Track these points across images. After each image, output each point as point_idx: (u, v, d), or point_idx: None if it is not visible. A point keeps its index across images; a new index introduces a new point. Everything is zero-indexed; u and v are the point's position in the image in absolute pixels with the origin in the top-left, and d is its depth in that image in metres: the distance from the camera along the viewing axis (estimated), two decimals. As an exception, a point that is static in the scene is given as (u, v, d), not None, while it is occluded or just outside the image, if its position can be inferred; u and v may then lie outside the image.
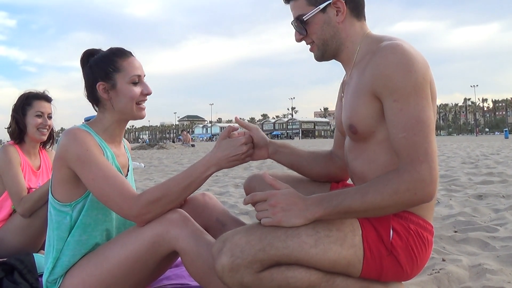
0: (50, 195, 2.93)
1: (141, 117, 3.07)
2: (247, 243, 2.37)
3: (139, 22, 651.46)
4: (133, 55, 3.11)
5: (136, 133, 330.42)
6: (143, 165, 19.69)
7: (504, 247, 4.37)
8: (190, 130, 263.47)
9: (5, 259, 3.51)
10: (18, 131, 4.41)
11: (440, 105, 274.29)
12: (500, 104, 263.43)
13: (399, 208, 2.42)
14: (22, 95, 4.53)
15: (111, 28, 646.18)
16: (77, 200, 2.88)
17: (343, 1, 2.68)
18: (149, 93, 3.08)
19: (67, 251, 2.88)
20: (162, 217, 2.81)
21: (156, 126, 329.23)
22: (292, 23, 2.82)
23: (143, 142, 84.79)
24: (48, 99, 4.58)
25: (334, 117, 3.24)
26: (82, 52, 3.12)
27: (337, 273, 2.51)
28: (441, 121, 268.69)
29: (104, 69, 2.99)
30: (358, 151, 2.73)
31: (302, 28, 2.76)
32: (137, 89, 3.01)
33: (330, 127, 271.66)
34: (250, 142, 3.00)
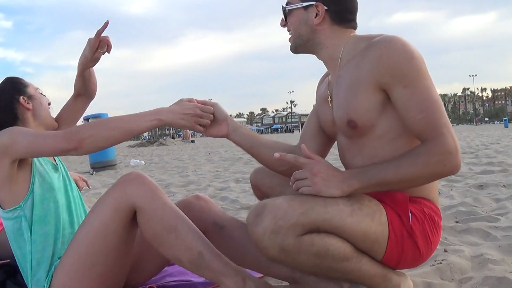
0: (0, 210, 2.95)
1: (54, 125, 3.32)
2: (289, 206, 2.40)
3: (135, 20, 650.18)
4: None
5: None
6: (143, 162, 19.77)
7: (506, 236, 4.37)
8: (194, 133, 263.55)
9: (7, 260, 3.50)
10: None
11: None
12: (499, 93, 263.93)
13: (430, 180, 2.53)
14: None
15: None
16: (24, 199, 2.89)
17: (325, 8, 2.78)
18: (49, 103, 3.38)
19: (38, 249, 2.90)
20: (119, 180, 2.85)
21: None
22: (282, 7, 2.92)
23: (143, 139, 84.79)
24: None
25: (312, 118, 3.27)
26: None
27: (364, 253, 2.58)
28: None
29: (16, 87, 3.24)
30: (357, 148, 2.79)
31: (285, 16, 2.91)
32: (45, 98, 3.33)
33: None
34: (207, 111, 3.03)
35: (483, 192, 6.99)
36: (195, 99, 3.08)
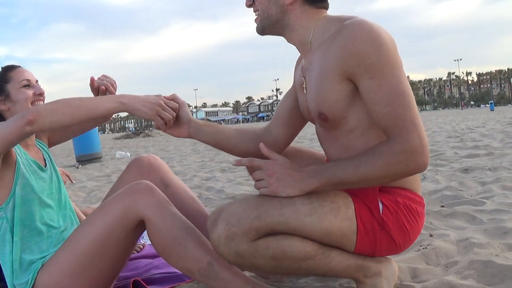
0: None
1: None
2: (243, 211, 2.38)
3: (119, 10, 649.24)
4: (21, 67, 3.29)
5: (122, 122, 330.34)
6: (129, 154, 19.78)
7: (492, 220, 4.37)
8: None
9: None
10: None
11: (424, 80, 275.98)
12: (485, 77, 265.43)
13: (393, 179, 2.45)
14: None
15: (91, 18, 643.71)
16: (6, 201, 2.89)
17: None
18: (41, 93, 3.24)
19: (19, 250, 2.89)
20: (128, 188, 2.85)
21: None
22: None
23: (128, 131, 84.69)
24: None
25: (286, 100, 3.20)
26: None
27: (332, 247, 2.53)
28: (425, 96, 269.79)
29: None
30: (332, 139, 2.73)
31: None
32: (29, 91, 3.19)
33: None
34: (172, 106, 2.97)
35: (469, 176, 7.00)
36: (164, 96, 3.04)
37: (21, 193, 2.93)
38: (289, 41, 2.83)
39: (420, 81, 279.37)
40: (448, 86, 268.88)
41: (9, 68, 3.26)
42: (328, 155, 2.86)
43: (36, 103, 3.18)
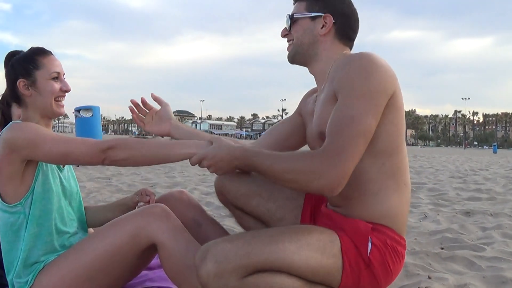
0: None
1: (60, 114, 3.13)
2: (231, 249, 2.38)
3: (134, 13, 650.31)
4: (52, 54, 3.19)
5: (125, 124, 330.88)
6: (131, 158, 19.68)
7: (491, 267, 4.35)
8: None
9: None
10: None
11: (430, 116, 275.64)
12: (490, 118, 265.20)
13: (295, 187, 2.61)
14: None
15: (105, 18, 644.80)
16: (25, 196, 2.87)
17: (333, 20, 2.82)
18: (67, 90, 3.15)
19: (27, 248, 2.87)
20: (143, 210, 2.86)
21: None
22: (286, 18, 2.97)
23: (131, 134, 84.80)
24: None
25: (287, 123, 3.40)
26: (6, 54, 3.20)
27: (317, 283, 2.53)
28: (430, 132, 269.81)
29: (24, 67, 3.05)
30: None
31: (289, 24, 2.94)
32: (56, 85, 3.07)
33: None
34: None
35: (470, 220, 6.98)
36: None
37: (40, 190, 2.91)
38: (311, 71, 2.97)
39: (426, 116, 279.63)
40: (453, 124, 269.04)
41: (41, 53, 3.14)
42: None
43: (60, 99, 3.10)
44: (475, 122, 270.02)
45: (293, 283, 2.44)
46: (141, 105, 3.45)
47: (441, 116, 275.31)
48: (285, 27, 2.99)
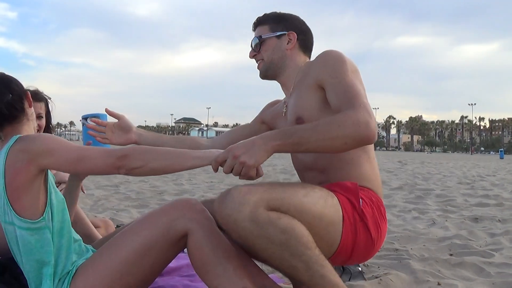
0: (16, 219, 2.80)
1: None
2: (252, 186, 2.52)
3: (141, 22, 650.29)
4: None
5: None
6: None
7: (499, 273, 4.35)
8: (186, 132, 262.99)
9: None
10: None
11: (436, 122, 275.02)
12: (497, 124, 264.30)
13: (346, 142, 2.61)
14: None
15: (112, 26, 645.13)
16: (46, 210, 2.82)
17: (296, 36, 3.31)
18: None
19: (55, 261, 2.84)
20: (175, 201, 2.88)
21: (152, 126, 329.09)
22: (251, 42, 3.43)
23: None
24: (38, 99, 4.48)
25: (246, 128, 3.77)
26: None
27: (322, 238, 2.68)
28: (437, 138, 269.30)
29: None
30: None
31: (258, 45, 3.37)
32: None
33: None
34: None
35: (478, 226, 6.99)
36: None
37: (55, 202, 2.89)
38: (279, 80, 3.43)
39: (432, 122, 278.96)
40: (459, 130, 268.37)
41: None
42: (301, 161, 3.28)
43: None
44: (481, 127, 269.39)
45: (308, 235, 2.54)
46: (97, 126, 3.52)
47: (448, 122, 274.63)
48: (252, 49, 3.43)
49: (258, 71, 3.45)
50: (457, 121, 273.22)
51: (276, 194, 2.53)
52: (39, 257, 2.83)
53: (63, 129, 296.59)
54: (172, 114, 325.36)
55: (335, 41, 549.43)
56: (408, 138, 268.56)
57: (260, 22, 3.43)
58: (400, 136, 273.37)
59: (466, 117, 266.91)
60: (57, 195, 2.93)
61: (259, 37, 3.36)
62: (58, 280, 2.83)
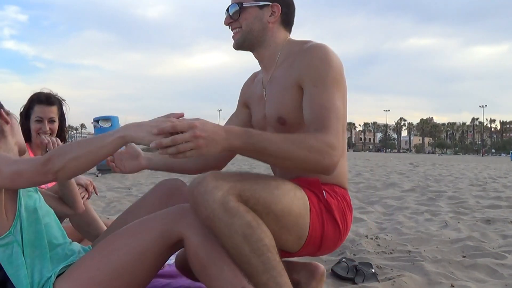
0: None
1: (25, 148, 3.24)
2: (226, 174, 2.59)
3: (151, 24, 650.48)
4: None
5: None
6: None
7: (513, 275, 4.34)
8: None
9: None
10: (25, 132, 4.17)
11: (447, 124, 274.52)
12: (508, 126, 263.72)
13: (304, 167, 2.67)
14: (29, 98, 4.50)
15: (122, 28, 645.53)
16: (13, 224, 2.84)
17: (280, 9, 3.15)
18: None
19: (34, 271, 2.86)
20: (172, 208, 2.86)
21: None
22: (228, 8, 3.22)
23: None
24: (50, 103, 4.51)
25: (235, 118, 3.66)
26: None
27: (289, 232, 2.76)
28: (447, 140, 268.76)
29: None
30: None
31: (238, 13, 3.17)
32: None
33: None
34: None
35: (490, 227, 6.97)
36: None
37: (25, 214, 2.89)
38: (257, 56, 3.31)
39: (443, 124, 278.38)
40: (470, 132, 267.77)
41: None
42: None
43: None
44: (492, 129, 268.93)
45: (271, 238, 2.56)
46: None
47: (459, 123, 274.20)
48: (228, 15, 3.22)
49: (233, 40, 3.27)
50: (468, 123, 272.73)
51: (249, 184, 2.58)
52: (12, 271, 2.87)
53: (74, 131, 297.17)
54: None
55: (345, 43, 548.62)
56: (419, 140, 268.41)
57: None
58: (411, 138, 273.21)
59: (477, 119, 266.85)
60: (28, 206, 2.93)
61: (240, 4, 3.16)
62: (42, 285, 2.83)
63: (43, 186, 4.12)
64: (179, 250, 2.96)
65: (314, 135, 2.64)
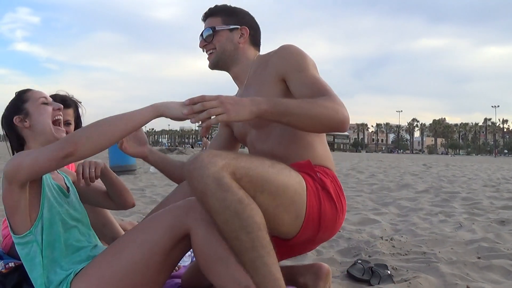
0: (12, 234, 2.95)
1: (55, 138, 3.21)
2: (221, 152, 2.67)
3: (163, 25, 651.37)
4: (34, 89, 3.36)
5: (156, 136, 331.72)
6: (163, 170, 19.55)
7: (528, 276, 4.32)
8: (210, 136, 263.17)
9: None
10: None
11: (460, 124, 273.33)
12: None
13: (323, 123, 2.83)
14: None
15: (134, 30, 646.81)
16: (35, 224, 2.90)
17: (248, 31, 3.48)
18: (60, 108, 3.33)
19: (49, 272, 2.90)
20: (180, 202, 2.89)
21: (176, 130, 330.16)
22: (202, 33, 3.52)
23: (161, 146, 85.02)
24: (67, 105, 4.37)
25: (219, 137, 3.88)
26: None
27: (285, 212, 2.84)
28: (460, 140, 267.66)
29: (14, 106, 3.26)
30: (265, 135, 3.31)
31: (211, 36, 3.47)
32: (48, 107, 3.26)
33: (350, 140, 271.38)
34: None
35: (505, 228, 6.94)
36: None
37: (48, 216, 2.95)
38: (232, 73, 3.59)
39: (456, 125, 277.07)
40: (483, 132, 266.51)
41: (23, 91, 3.34)
42: (259, 150, 3.35)
43: (58, 122, 3.28)
44: (505, 130, 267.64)
45: (262, 217, 2.61)
46: None
47: (471, 124, 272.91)
48: (203, 39, 3.52)
49: (208, 61, 3.55)
50: (480, 123, 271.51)
51: (244, 163, 2.67)
52: (29, 269, 2.93)
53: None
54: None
55: (356, 44, 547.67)
56: (432, 141, 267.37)
57: (212, 13, 3.53)
58: (424, 139, 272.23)
59: (489, 119, 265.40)
60: (51, 208, 2.99)
61: (213, 28, 3.46)
62: (57, 286, 2.87)
63: (69, 166, 4.15)
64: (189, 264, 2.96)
65: (323, 98, 2.87)
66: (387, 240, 5.81)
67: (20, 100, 3.26)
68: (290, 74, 3.12)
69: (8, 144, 3.31)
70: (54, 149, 2.67)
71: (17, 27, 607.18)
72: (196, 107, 2.63)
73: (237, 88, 3.62)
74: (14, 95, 3.33)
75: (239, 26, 3.46)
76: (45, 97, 3.30)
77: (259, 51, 3.60)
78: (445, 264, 4.63)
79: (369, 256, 5.09)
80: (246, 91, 3.39)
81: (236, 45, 3.46)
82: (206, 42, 3.50)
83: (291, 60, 3.15)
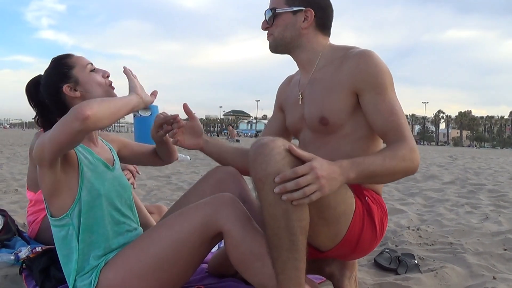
0: (49, 216, 2.97)
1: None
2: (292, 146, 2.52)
3: (188, 14, 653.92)
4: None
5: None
6: (188, 157, 19.54)
7: (555, 268, 4.31)
8: (235, 125, 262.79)
9: (52, 246, 3.46)
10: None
11: (486, 117, 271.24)
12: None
13: (402, 174, 2.80)
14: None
15: (159, 18, 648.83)
16: (71, 207, 2.88)
17: (313, 14, 3.12)
18: (109, 74, 3.22)
19: (84, 258, 2.91)
20: (211, 198, 2.88)
21: (201, 119, 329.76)
22: (265, 12, 3.23)
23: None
24: None
25: (273, 122, 3.70)
26: (26, 85, 3.18)
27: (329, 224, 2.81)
28: (485, 133, 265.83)
29: (60, 73, 3.05)
30: (321, 143, 3.14)
31: (272, 18, 3.20)
32: (98, 76, 3.14)
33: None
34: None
35: (532, 221, 6.86)
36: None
37: (87, 198, 2.92)
38: (295, 59, 3.33)
39: (481, 117, 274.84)
40: (509, 125, 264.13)
41: (66, 56, 3.15)
42: None
43: (109, 83, 3.17)
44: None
45: (308, 220, 2.53)
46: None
47: (497, 117, 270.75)
48: (265, 21, 3.24)
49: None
50: (506, 116, 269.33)
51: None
52: (63, 253, 2.94)
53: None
54: (221, 107, 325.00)
55: (383, 34, 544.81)
56: (457, 133, 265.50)
57: None
58: (449, 131, 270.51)
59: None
60: (92, 191, 2.94)
61: (273, 10, 3.17)
62: (86, 273, 2.88)
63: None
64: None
65: (399, 145, 2.78)
66: (413, 230, 5.80)
67: (66, 67, 3.06)
68: (366, 92, 2.92)
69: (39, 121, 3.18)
70: (68, 120, 2.53)
71: (43, 14, 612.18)
72: (290, 185, 2.38)
73: (296, 69, 3.42)
74: (52, 61, 3.12)
75: (303, 8, 3.10)
76: (92, 64, 3.15)
77: (329, 36, 3.27)
78: (471, 255, 4.64)
79: (396, 246, 5.11)
80: (311, 86, 3.19)
81: (299, 31, 3.15)
82: (268, 25, 3.24)
83: (370, 76, 2.90)
